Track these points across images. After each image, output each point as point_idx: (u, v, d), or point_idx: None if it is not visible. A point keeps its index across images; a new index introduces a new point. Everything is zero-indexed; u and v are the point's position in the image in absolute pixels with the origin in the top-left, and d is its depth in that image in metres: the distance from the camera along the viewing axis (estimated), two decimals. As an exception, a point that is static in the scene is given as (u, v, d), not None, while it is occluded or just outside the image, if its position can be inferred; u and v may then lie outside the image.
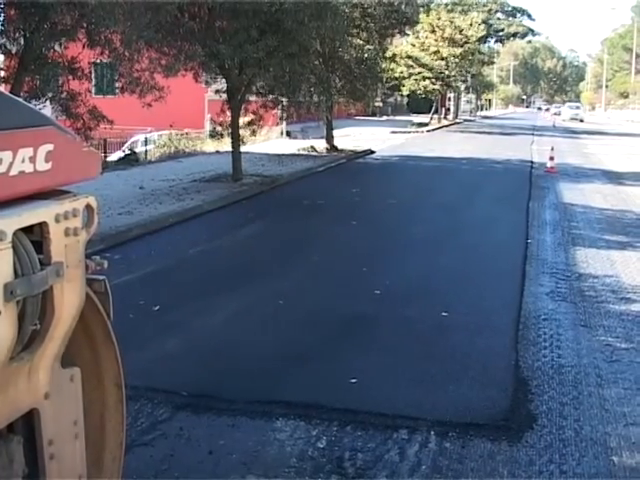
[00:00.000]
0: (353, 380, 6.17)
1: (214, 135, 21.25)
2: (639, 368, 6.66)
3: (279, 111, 23.56)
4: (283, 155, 25.02)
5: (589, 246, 11.95)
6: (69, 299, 2.54)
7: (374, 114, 59.36)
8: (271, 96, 20.78)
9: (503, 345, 7.17)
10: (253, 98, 20.87)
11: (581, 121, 78.93)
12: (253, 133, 21.68)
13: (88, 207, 2.64)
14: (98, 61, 14.65)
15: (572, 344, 7.25)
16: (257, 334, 7.37)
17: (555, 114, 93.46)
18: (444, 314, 8.08)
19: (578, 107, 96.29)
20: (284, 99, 21.97)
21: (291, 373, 6.36)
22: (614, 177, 22.72)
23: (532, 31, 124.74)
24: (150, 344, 6.94)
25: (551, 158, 23.71)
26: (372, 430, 5.31)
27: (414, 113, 63.61)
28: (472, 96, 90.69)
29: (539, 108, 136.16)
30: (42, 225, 2.41)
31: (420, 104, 60.85)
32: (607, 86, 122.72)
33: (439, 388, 6.11)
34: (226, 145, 21.39)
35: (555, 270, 10.23)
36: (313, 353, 6.86)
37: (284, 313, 8.13)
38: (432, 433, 5.28)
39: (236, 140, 18.73)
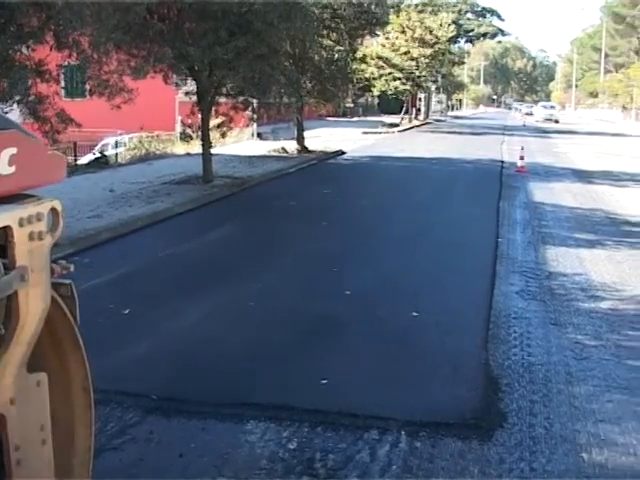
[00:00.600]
0: (324, 381, 6.18)
1: (184, 137, 21.17)
2: (608, 365, 6.72)
3: (249, 112, 23.50)
4: (254, 156, 24.99)
5: (559, 245, 12.04)
6: (34, 303, 2.53)
7: (345, 115, 59.41)
8: (241, 97, 20.73)
9: (473, 344, 7.19)
10: (223, 100, 20.79)
11: (556, 122, 72.99)
12: (223, 135, 21.65)
13: (53, 211, 2.62)
14: (66, 63, 14.54)
15: (542, 342, 7.30)
16: (227, 336, 7.36)
17: (527, 114, 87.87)
18: (414, 314, 8.10)
19: (553, 107, 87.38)
20: (254, 100, 21.93)
21: (261, 375, 6.35)
22: (584, 176, 22.87)
23: (502, 31, 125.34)
24: (120, 348, 6.90)
25: (521, 157, 23.83)
26: (343, 431, 5.32)
27: (385, 113, 63.74)
28: (443, 96, 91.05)
29: (514, 108, 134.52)
30: (6, 229, 2.39)
31: (391, 104, 60.98)
32: (577, 85, 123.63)
33: (410, 388, 6.13)
34: (197, 147, 21.34)
35: (525, 269, 10.29)
36: (284, 354, 6.85)
37: (255, 315, 8.11)
38: (403, 433, 5.29)
39: (206, 142, 18.68)
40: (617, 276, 10.07)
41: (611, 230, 13.61)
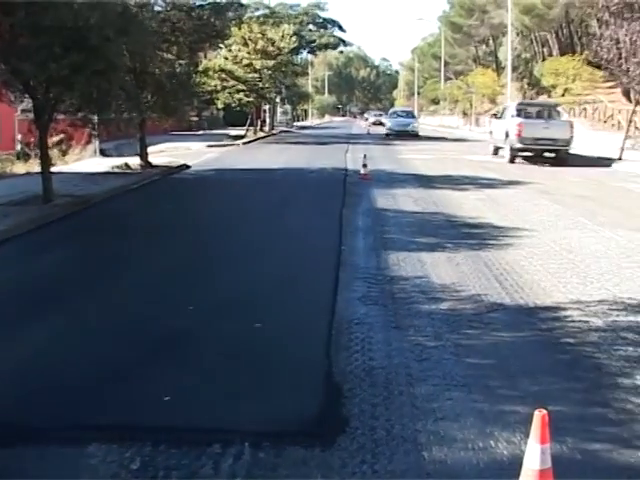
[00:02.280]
0: (166, 398, 6.10)
1: (23, 156, 20.61)
2: (447, 365, 6.89)
3: (90, 129, 23.07)
4: (97, 174, 24.43)
5: (400, 249, 12.24)
6: None
7: (190, 129, 59.00)
8: (80, 114, 20.28)
9: (316, 352, 7.23)
10: (62, 117, 20.32)
11: (415, 136, 54.32)
12: (64, 153, 21.21)
13: None
14: None
15: (383, 346, 7.42)
16: (68, 359, 7.16)
17: (375, 124, 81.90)
18: (257, 325, 8.10)
19: (410, 114, 63.05)
20: (94, 117, 21.52)
21: (102, 396, 6.21)
22: (425, 181, 23.45)
23: (343, 42, 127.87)
24: (-47, 376, 6.67)
25: (364, 165, 24.23)
26: (186, 447, 5.26)
27: (231, 126, 63.67)
28: (288, 107, 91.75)
29: (359, 116, 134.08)
30: None
31: (236, 117, 61.05)
32: (419, 93, 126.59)
33: (253, 400, 6.11)
34: (38, 166, 20.78)
35: (367, 275, 10.42)
36: (125, 374, 6.71)
37: (96, 335, 7.92)
38: (246, 445, 5.27)
39: (45, 160, 18.21)
40: (456, 277, 10.35)
41: (451, 233, 13.98)
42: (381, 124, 75.02)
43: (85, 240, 13.86)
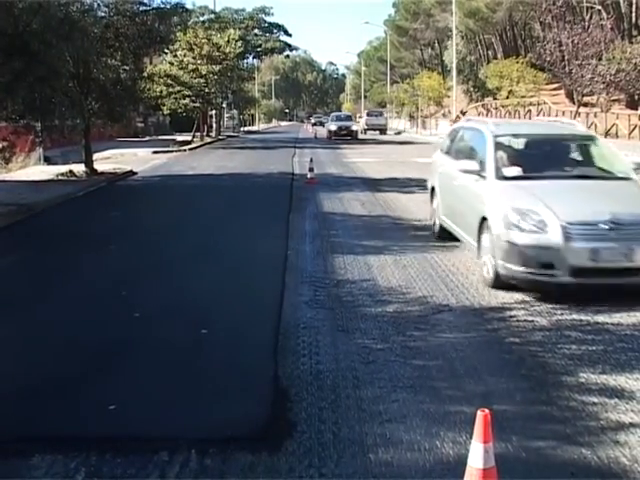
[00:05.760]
0: (112, 407, 6.04)
1: (-39, 165, 20.29)
2: (393, 367, 6.93)
3: (33, 136, 22.78)
4: (41, 182, 24.11)
5: (347, 253, 12.26)
6: None
7: (136, 135, 58.51)
8: (23, 121, 20.04)
9: (263, 357, 7.24)
10: (4, 124, 20.06)
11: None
12: (7, 161, 20.88)
13: None
14: None
15: (330, 349, 7.43)
16: (10, 370, 7.01)
17: (340, 133, 58.51)
18: (204, 331, 8.07)
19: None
20: (37, 124, 21.27)
21: (47, 406, 6.13)
22: (372, 184, 23.46)
23: (289, 46, 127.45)
24: None
25: (310, 169, 24.19)
26: (132, 455, 5.23)
27: (177, 132, 63.26)
28: (235, 112, 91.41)
29: (311, 123, 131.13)
30: None
31: (183, 122, 60.62)
32: (366, 96, 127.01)
33: (200, 406, 6.09)
34: (-21, 175, 20.52)
35: (314, 279, 10.44)
36: (70, 383, 6.63)
37: (40, 346, 7.78)
38: (193, 452, 5.26)
39: (-13, 169, 18.01)
40: (403, 279, 10.39)
41: (397, 235, 14.03)
42: (349, 134, 58.18)
43: (29, 250, 13.60)
